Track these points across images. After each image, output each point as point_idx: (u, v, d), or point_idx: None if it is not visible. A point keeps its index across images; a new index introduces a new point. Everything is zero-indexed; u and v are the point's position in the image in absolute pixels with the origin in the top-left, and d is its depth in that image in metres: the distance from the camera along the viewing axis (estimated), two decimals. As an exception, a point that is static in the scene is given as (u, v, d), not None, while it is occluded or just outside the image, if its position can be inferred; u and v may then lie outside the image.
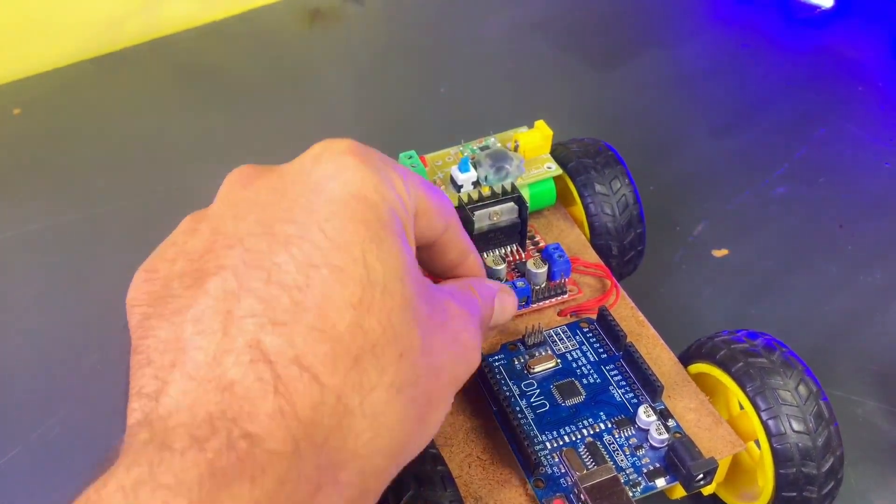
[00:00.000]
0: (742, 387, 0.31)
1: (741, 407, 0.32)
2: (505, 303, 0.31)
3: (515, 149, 0.38)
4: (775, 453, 0.30)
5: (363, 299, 0.22)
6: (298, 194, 0.24)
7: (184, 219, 0.26)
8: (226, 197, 0.25)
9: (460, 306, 0.27)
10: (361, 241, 0.23)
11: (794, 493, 0.31)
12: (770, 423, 0.30)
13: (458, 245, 0.30)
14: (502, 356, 0.34)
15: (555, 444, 0.31)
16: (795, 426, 0.30)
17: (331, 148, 0.25)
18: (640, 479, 0.30)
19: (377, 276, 0.23)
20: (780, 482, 0.31)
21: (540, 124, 0.39)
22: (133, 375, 0.23)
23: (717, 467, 0.30)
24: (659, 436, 0.31)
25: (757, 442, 0.31)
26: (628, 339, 0.33)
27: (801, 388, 0.30)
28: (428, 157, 0.38)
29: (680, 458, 0.30)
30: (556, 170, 0.38)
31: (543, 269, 0.35)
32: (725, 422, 0.32)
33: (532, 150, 0.38)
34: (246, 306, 0.22)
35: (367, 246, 0.23)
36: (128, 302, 0.25)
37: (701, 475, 0.29)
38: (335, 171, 0.24)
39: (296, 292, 0.22)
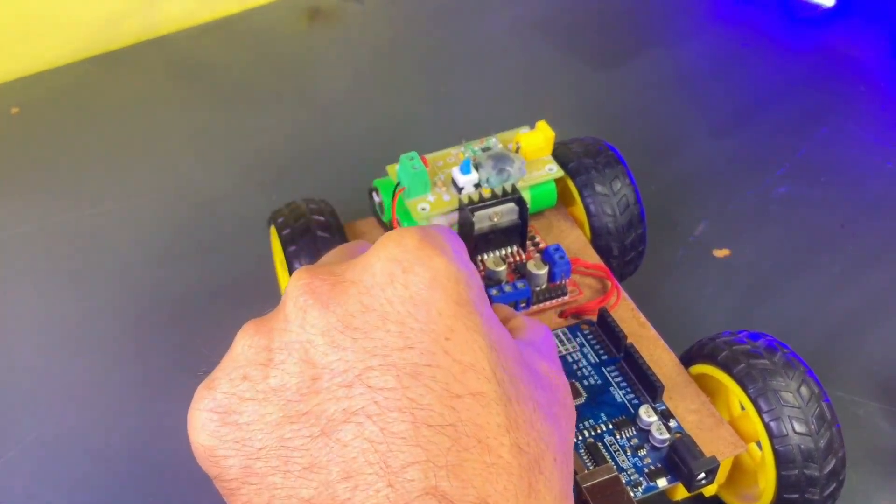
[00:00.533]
0: (744, 388, 0.31)
1: (742, 408, 0.32)
2: None
3: (517, 150, 0.38)
4: (777, 455, 0.30)
5: (509, 417, 0.21)
6: (402, 313, 0.22)
7: (240, 337, 0.24)
8: (303, 319, 0.22)
9: (551, 365, 0.26)
10: (485, 353, 0.22)
11: (796, 495, 0.30)
12: (772, 424, 0.30)
13: (502, 308, 0.29)
14: (503, 357, 0.34)
15: (556, 446, 0.31)
16: (797, 427, 0.30)
17: (415, 252, 0.23)
18: (641, 479, 0.30)
19: (510, 389, 0.22)
20: (782, 484, 0.30)
21: (541, 125, 0.39)
22: None
23: (718, 466, 0.30)
24: (660, 436, 0.31)
25: (758, 443, 0.31)
26: (629, 340, 0.33)
27: (803, 390, 0.30)
28: (428, 157, 0.38)
29: (681, 458, 0.30)
30: (557, 171, 0.38)
31: (544, 271, 0.35)
32: (727, 423, 0.32)
33: (533, 152, 0.38)
34: (402, 454, 0.20)
35: (490, 356, 0.22)
36: (204, 450, 0.23)
37: (702, 474, 0.29)
38: (431, 279, 0.22)
39: (450, 430, 0.21)
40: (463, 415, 0.21)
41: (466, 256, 0.24)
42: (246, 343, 0.23)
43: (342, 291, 0.22)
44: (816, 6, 0.63)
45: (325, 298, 0.22)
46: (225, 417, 0.22)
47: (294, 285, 0.23)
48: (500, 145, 0.39)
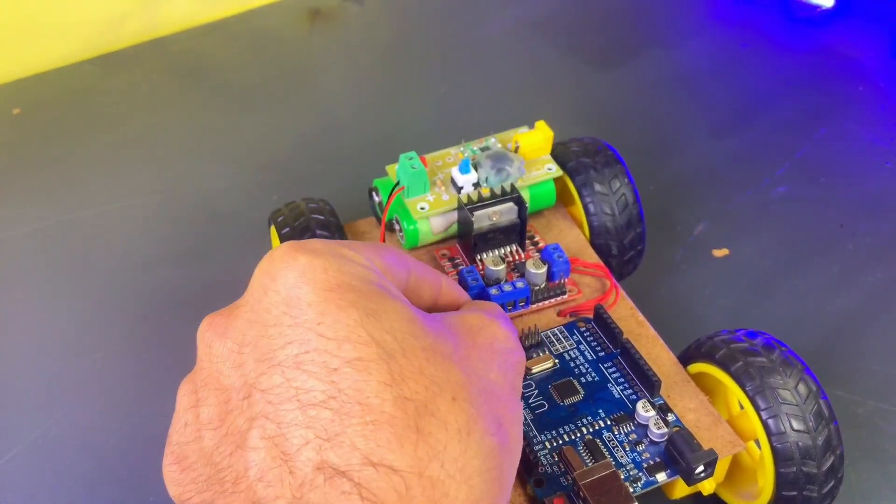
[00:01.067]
0: (742, 386, 0.31)
1: (741, 406, 0.32)
2: None
3: (516, 149, 0.38)
4: (775, 452, 0.30)
5: (392, 372, 0.22)
6: (277, 315, 0.24)
7: (178, 395, 0.26)
8: (209, 354, 0.25)
9: (478, 315, 0.27)
10: (359, 322, 0.23)
11: (795, 493, 0.31)
12: (770, 422, 0.30)
13: (428, 280, 0.30)
14: (502, 356, 0.34)
15: (554, 444, 0.31)
16: (795, 425, 0.30)
17: (280, 259, 0.25)
18: (640, 474, 0.30)
19: (391, 346, 0.23)
20: (781, 481, 0.31)
21: (540, 125, 0.39)
22: None
23: (717, 459, 0.30)
24: (658, 430, 0.31)
25: (757, 441, 0.31)
26: (625, 336, 0.33)
27: (801, 387, 0.30)
28: (428, 157, 0.38)
29: (679, 451, 0.30)
30: (556, 171, 0.38)
31: (543, 270, 0.35)
32: (725, 421, 0.32)
33: (532, 151, 0.38)
34: (295, 440, 0.22)
35: (366, 324, 0.23)
36: (177, 499, 0.25)
37: (701, 467, 0.29)
38: (297, 278, 0.24)
39: (332, 402, 0.22)
40: (342, 384, 0.22)
41: (347, 251, 0.26)
42: (180, 393, 0.26)
43: (235, 317, 0.25)
44: (816, 7, 0.63)
45: (222, 329, 0.25)
46: (181, 465, 0.25)
47: (199, 330, 0.26)
48: (499, 145, 0.39)
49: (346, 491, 0.21)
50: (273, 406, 0.23)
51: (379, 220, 0.39)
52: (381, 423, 0.22)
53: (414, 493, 0.21)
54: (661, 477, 0.30)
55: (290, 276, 0.24)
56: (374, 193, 0.39)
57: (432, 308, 0.30)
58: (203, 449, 0.24)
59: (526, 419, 0.32)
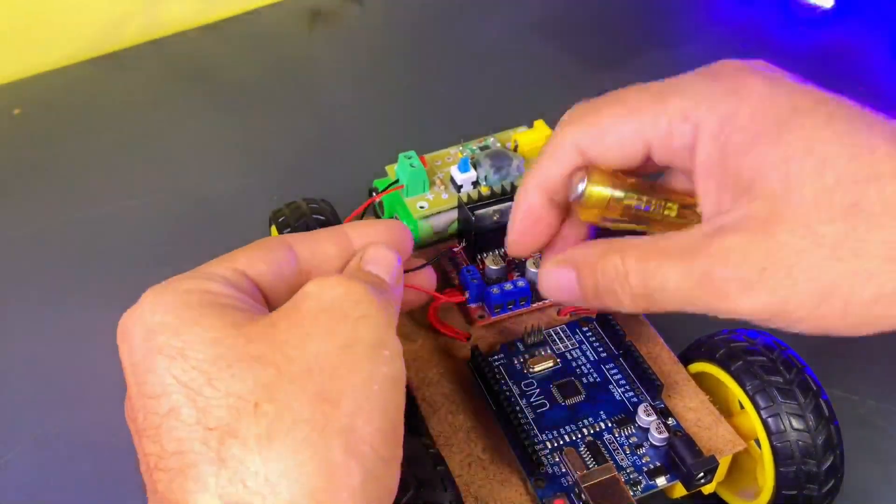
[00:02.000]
0: (742, 385, 0.31)
1: (741, 406, 0.32)
2: (395, 245, 0.28)
3: (515, 149, 0.38)
4: (775, 451, 0.30)
5: (198, 409, 0.22)
6: (140, 356, 0.25)
7: None
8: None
9: (336, 280, 0.24)
10: (166, 370, 0.23)
11: (795, 491, 0.31)
12: (770, 421, 0.30)
13: (324, 241, 0.28)
14: (502, 356, 0.34)
15: (555, 444, 0.31)
16: (795, 424, 0.30)
17: (127, 316, 0.27)
18: (640, 477, 0.30)
19: (197, 382, 0.22)
20: (781, 480, 0.31)
21: (539, 124, 0.39)
22: None
23: (717, 465, 0.30)
24: (659, 434, 0.31)
25: (757, 441, 0.31)
26: (628, 338, 0.33)
27: (801, 387, 0.30)
28: (427, 156, 0.38)
29: (680, 457, 0.30)
30: (555, 169, 0.38)
31: (543, 269, 0.35)
32: (725, 421, 0.32)
33: (531, 151, 0.38)
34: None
35: (172, 369, 0.23)
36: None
37: (701, 473, 0.29)
38: (121, 329, 0.27)
39: (161, 462, 0.22)
40: (165, 442, 0.22)
41: (187, 278, 0.26)
42: None
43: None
44: (816, 7, 0.63)
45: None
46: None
47: None
48: (499, 144, 0.39)
49: None
50: (138, 436, 0.23)
51: (377, 218, 0.39)
52: (187, 467, 0.21)
53: None
54: (662, 481, 0.30)
55: (123, 326, 0.26)
56: (373, 193, 0.39)
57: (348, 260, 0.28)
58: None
59: (528, 418, 0.32)
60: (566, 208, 0.29)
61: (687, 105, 0.25)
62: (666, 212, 0.28)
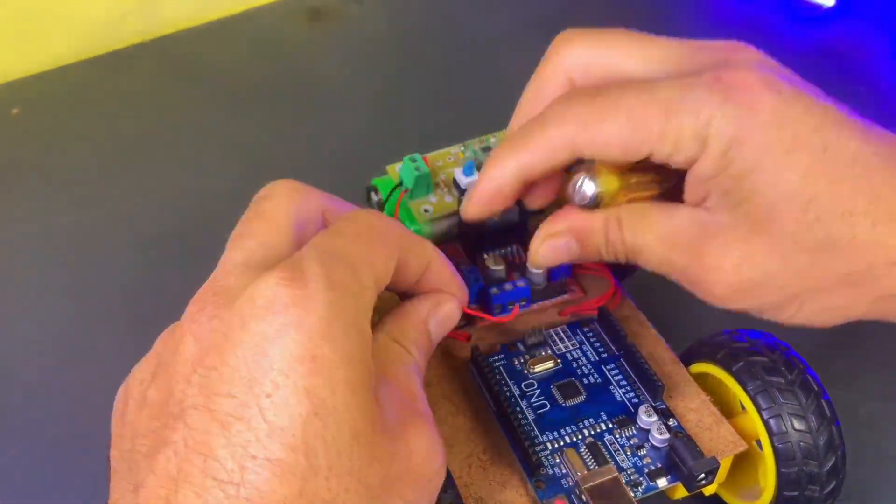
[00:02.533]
0: (743, 386, 0.31)
1: (742, 406, 0.32)
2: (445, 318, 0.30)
3: (516, 148, 0.38)
4: (777, 452, 0.30)
5: (304, 492, 0.21)
6: (239, 359, 0.22)
7: (155, 342, 0.25)
8: (180, 344, 0.24)
9: (420, 428, 0.25)
10: (304, 420, 0.21)
11: (796, 493, 0.31)
12: (771, 422, 0.30)
13: (414, 259, 0.28)
14: (502, 356, 0.34)
15: (556, 445, 0.31)
16: (797, 425, 0.30)
17: (272, 300, 0.22)
18: (641, 479, 0.30)
19: (319, 461, 0.21)
20: (782, 481, 0.30)
21: (539, 123, 0.39)
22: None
23: (718, 467, 0.30)
24: (660, 436, 0.31)
25: (758, 442, 0.31)
26: (629, 339, 0.33)
27: (802, 387, 0.30)
28: (428, 156, 0.38)
29: (681, 458, 0.30)
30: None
31: (544, 270, 0.35)
32: (727, 421, 0.32)
33: (532, 150, 0.38)
34: (182, 498, 0.21)
35: (308, 424, 0.21)
36: (112, 420, 0.26)
37: (702, 475, 0.29)
38: (277, 331, 0.22)
39: (230, 488, 0.21)
40: (249, 477, 0.21)
41: (354, 308, 0.24)
42: (155, 348, 0.26)
43: (212, 325, 0.23)
44: (816, 6, 0.63)
45: (197, 329, 0.23)
46: (123, 409, 0.26)
47: (193, 302, 0.25)
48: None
49: None
50: (186, 448, 0.22)
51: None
52: None
53: None
54: (662, 483, 0.30)
55: (271, 325, 0.22)
56: (372, 192, 0.39)
57: (414, 287, 0.29)
58: (137, 423, 0.24)
59: (528, 418, 0.32)
60: (530, 185, 0.31)
61: (698, 125, 0.26)
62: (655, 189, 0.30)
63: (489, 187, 0.30)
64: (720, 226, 0.27)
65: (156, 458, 0.22)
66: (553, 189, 0.32)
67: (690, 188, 0.28)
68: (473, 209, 0.31)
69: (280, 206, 0.27)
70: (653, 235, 0.29)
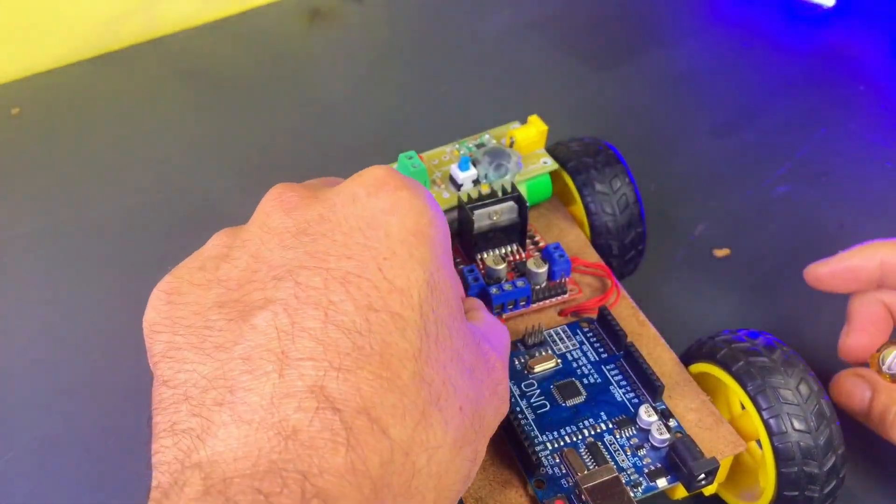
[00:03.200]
0: (743, 386, 0.31)
1: (742, 406, 0.32)
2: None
3: (511, 145, 0.38)
4: (777, 452, 0.30)
5: (422, 349, 0.22)
6: (353, 228, 0.23)
7: (212, 238, 0.25)
8: (265, 221, 0.24)
9: (498, 355, 0.27)
10: (419, 285, 0.23)
11: (796, 493, 0.30)
12: (771, 422, 0.30)
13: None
14: (503, 356, 0.34)
15: (555, 445, 0.31)
16: (797, 425, 0.30)
17: (382, 180, 0.24)
18: (641, 479, 0.30)
19: (431, 327, 0.22)
20: (782, 481, 0.30)
21: (534, 119, 0.39)
22: (162, 409, 0.22)
23: (718, 467, 0.30)
24: (660, 436, 0.31)
25: (758, 442, 0.31)
26: (629, 339, 0.33)
27: (802, 387, 0.30)
28: (424, 154, 0.38)
29: (681, 458, 0.30)
30: (551, 164, 0.38)
31: (544, 269, 0.35)
32: (727, 421, 0.32)
33: (528, 146, 0.38)
34: (303, 347, 0.21)
35: (423, 291, 0.23)
36: (147, 324, 0.24)
37: (702, 475, 0.29)
38: (391, 206, 0.24)
39: (357, 337, 0.21)
40: (375, 327, 0.21)
41: (440, 212, 0.25)
42: (214, 241, 0.25)
43: (307, 204, 0.24)
44: (816, 6, 0.63)
45: (290, 207, 0.24)
46: (171, 297, 0.24)
47: (267, 195, 0.25)
48: (494, 141, 0.39)
49: (334, 430, 0.19)
50: (298, 302, 0.21)
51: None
52: (394, 386, 0.21)
53: (394, 468, 0.20)
54: (662, 483, 0.30)
55: (385, 201, 0.24)
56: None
57: None
58: (203, 298, 0.23)
59: (528, 418, 0.32)
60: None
61: None
62: None
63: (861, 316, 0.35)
64: None
65: (253, 317, 0.22)
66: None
67: None
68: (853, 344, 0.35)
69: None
70: None
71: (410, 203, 0.24)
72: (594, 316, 0.35)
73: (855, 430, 0.37)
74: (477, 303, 0.31)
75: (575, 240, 0.38)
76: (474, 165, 0.37)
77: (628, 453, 0.31)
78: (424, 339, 0.22)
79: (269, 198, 0.25)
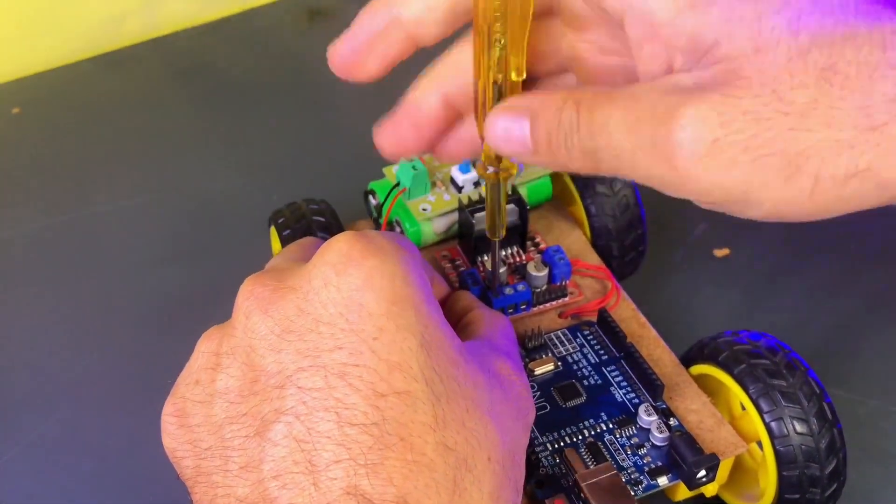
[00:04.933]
0: (744, 388, 0.31)
1: (743, 408, 0.32)
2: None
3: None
4: (778, 455, 0.30)
5: (437, 417, 0.22)
6: (334, 315, 0.23)
7: (198, 344, 0.25)
8: (247, 325, 0.24)
9: (509, 361, 0.26)
10: (415, 352, 0.22)
11: (798, 495, 0.30)
12: (773, 424, 0.30)
13: (437, 282, 0.30)
14: (503, 357, 0.34)
15: (556, 445, 0.31)
16: (798, 427, 0.30)
17: (347, 256, 0.24)
18: (641, 477, 0.30)
19: (438, 387, 0.22)
20: (783, 484, 0.30)
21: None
22: None
23: (718, 463, 0.30)
24: (660, 434, 0.31)
25: (759, 443, 0.31)
26: (629, 341, 0.33)
27: (804, 390, 0.30)
28: (425, 156, 0.38)
29: (681, 455, 0.30)
30: (553, 167, 0.38)
31: (544, 272, 0.35)
32: (728, 423, 0.32)
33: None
34: (327, 453, 0.21)
35: (419, 356, 0.22)
36: (168, 451, 0.24)
37: (703, 471, 0.29)
38: (364, 282, 0.23)
39: (373, 428, 0.21)
40: (387, 413, 0.21)
41: (412, 256, 0.25)
42: (201, 349, 0.25)
43: (282, 297, 0.24)
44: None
45: (266, 304, 0.24)
46: (181, 420, 0.24)
47: (241, 293, 0.25)
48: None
49: None
50: (307, 409, 0.22)
51: (376, 223, 0.39)
52: (422, 466, 0.21)
53: None
54: (663, 481, 0.30)
55: (356, 279, 0.23)
56: (370, 196, 0.39)
57: (459, 324, 0.30)
58: (212, 417, 0.23)
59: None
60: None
61: None
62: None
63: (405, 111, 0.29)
64: (694, 88, 0.21)
65: (269, 431, 0.22)
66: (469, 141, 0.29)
67: (645, 51, 0.23)
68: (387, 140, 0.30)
69: (309, 238, 0.30)
70: (617, 115, 0.22)
71: (381, 271, 0.23)
72: (594, 318, 0.35)
73: (857, 432, 0.37)
74: (468, 300, 0.31)
75: (575, 241, 0.38)
76: (474, 166, 0.37)
77: (629, 452, 0.31)
78: (437, 405, 0.22)
79: (243, 297, 0.25)
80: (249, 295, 0.25)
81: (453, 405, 0.22)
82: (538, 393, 0.32)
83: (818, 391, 0.30)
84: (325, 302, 0.23)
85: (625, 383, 0.33)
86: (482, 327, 0.29)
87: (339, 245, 0.24)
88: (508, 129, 0.25)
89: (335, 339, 0.22)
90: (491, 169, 0.28)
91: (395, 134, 0.29)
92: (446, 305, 0.31)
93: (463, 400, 0.23)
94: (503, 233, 0.31)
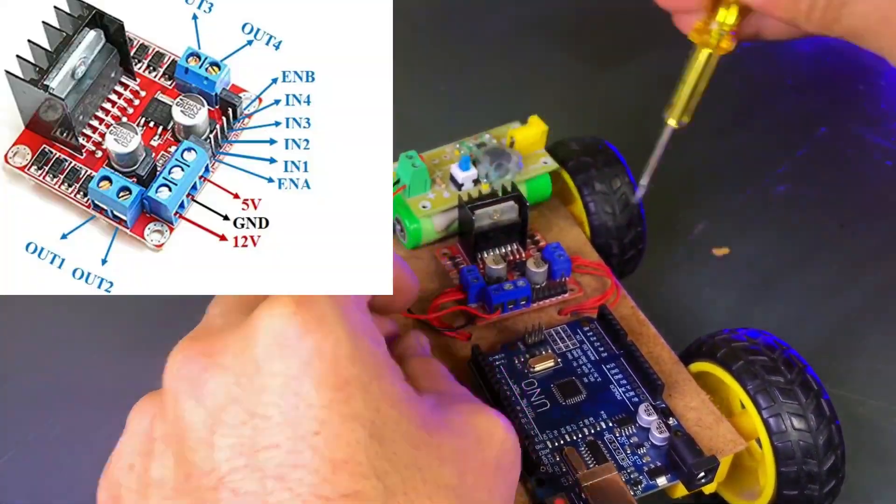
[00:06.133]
0: (743, 385, 0.31)
1: (742, 405, 0.32)
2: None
3: (511, 145, 0.38)
4: (776, 451, 0.30)
5: None
6: (268, 405, 0.20)
7: (130, 415, 0.23)
8: (176, 411, 0.21)
9: (485, 414, 0.24)
10: (364, 445, 0.20)
11: (796, 492, 0.31)
12: (771, 421, 0.30)
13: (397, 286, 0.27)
14: (502, 356, 0.34)
15: (555, 444, 0.31)
16: (796, 424, 0.30)
17: (282, 336, 0.21)
18: (641, 477, 0.30)
19: (392, 480, 0.20)
20: (782, 480, 0.31)
21: (534, 119, 0.39)
22: None
23: (718, 465, 0.30)
24: (660, 434, 0.31)
25: (758, 440, 0.31)
26: (629, 338, 0.33)
27: (803, 387, 0.30)
28: (424, 154, 0.38)
29: (681, 456, 0.30)
30: (552, 164, 0.38)
31: (544, 269, 0.35)
32: (726, 420, 0.32)
33: (528, 146, 0.38)
34: None
35: (368, 448, 0.20)
36: None
37: (702, 473, 0.29)
38: (301, 369, 0.20)
39: None
40: None
41: (360, 318, 0.22)
42: (133, 428, 0.23)
43: (212, 377, 0.21)
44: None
45: (196, 387, 0.21)
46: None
47: (169, 367, 0.22)
48: (495, 141, 0.39)
49: None
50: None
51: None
52: None
53: None
54: (662, 481, 0.30)
55: (292, 366, 0.20)
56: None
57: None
58: None
59: (528, 417, 0.32)
60: None
61: None
62: None
63: None
64: None
65: None
66: None
67: None
68: None
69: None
70: None
71: (322, 352, 0.21)
72: (594, 315, 0.35)
73: (855, 428, 0.37)
74: (402, 348, 0.28)
75: (575, 239, 0.38)
76: (475, 165, 0.37)
77: (628, 452, 0.31)
78: (391, 500, 0.20)
79: (171, 375, 0.22)
80: (177, 375, 0.22)
81: (412, 496, 0.20)
82: (538, 389, 0.32)
83: (816, 387, 0.31)
84: (258, 390, 0.20)
85: (624, 381, 0.33)
86: (430, 379, 0.27)
87: (274, 323, 0.21)
88: None
89: (270, 433, 0.20)
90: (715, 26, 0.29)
91: None
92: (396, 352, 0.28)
93: (423, 485, 0.21)
94: (686, 119, 0.30)
